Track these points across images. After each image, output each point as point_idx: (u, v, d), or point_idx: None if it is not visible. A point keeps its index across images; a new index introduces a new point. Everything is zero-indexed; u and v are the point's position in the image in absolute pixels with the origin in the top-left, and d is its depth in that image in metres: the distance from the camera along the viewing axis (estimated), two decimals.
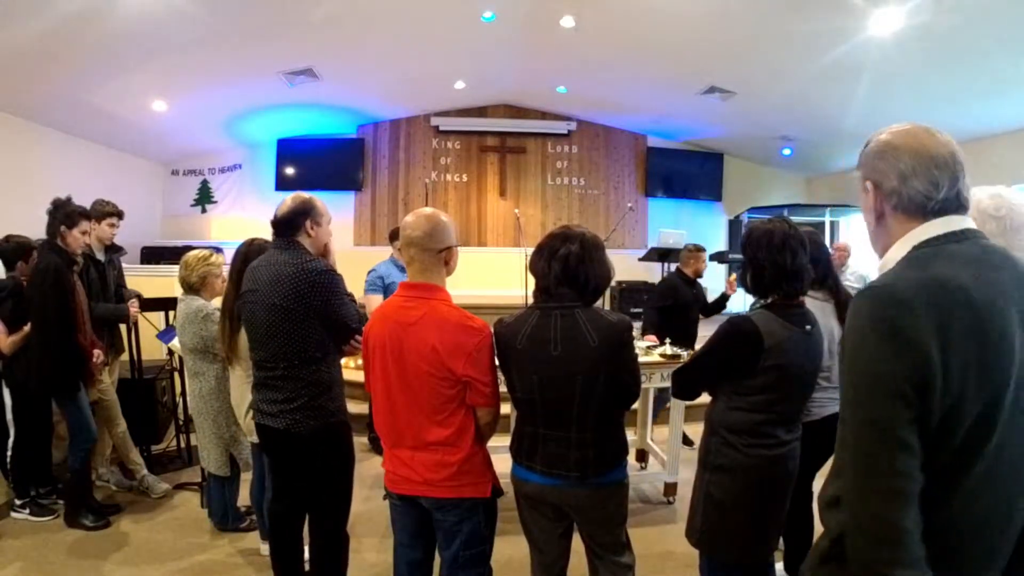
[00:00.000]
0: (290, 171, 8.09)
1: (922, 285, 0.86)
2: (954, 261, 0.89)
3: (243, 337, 2.30)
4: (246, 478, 2.94)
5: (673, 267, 4.81)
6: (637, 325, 3.93)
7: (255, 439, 2.48)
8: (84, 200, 3.37)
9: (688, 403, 3.58)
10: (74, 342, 2.93)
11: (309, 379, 2.00)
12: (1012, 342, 0.85)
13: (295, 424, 1.99)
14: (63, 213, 3.02)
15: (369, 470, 3.85)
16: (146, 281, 4.42)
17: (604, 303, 1.81)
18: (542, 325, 1.68)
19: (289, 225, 2.05)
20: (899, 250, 0.95)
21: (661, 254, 5.10)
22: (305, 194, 2.12)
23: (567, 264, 1.67)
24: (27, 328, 2.97)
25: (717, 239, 8.48)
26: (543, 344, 1.66)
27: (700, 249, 4.20)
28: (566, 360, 1.64)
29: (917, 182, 0.93)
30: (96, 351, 3.08)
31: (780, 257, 1.73)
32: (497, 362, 1.76)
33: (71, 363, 2.93)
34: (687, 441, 4.02)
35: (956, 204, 0.93)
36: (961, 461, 0.85)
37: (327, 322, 2.01)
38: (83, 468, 3.05)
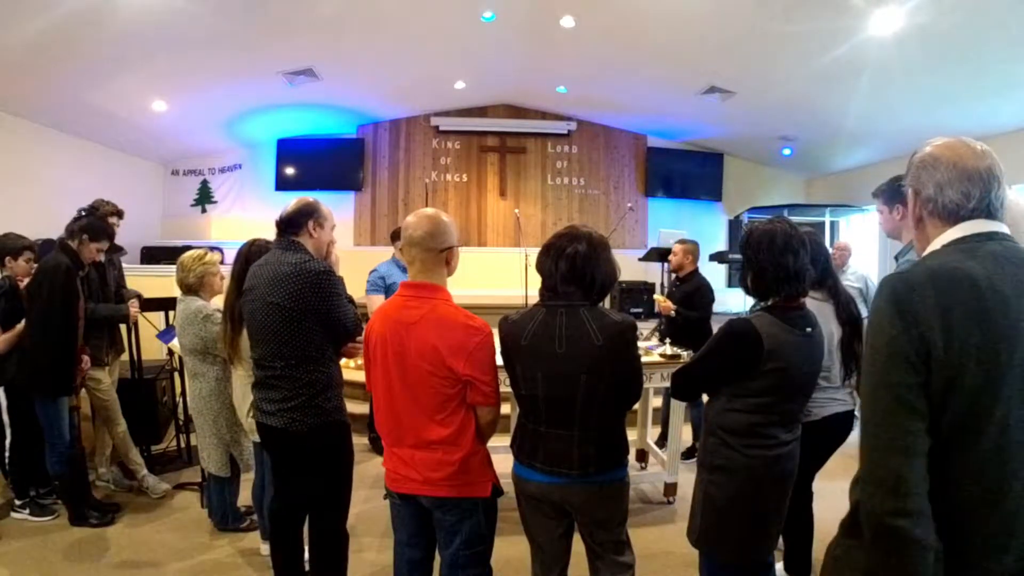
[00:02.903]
0: (290, 171, 8.09)
1: (932, 272, 0.99)
2: (971, 255, 0.99)
3: (245, 337, 2.30)
4: (246, 478, 2.94)
5: None
6: (642, 325, 3.91)
7: (258, 438, 2.48)
8: (84, 200, 3.38)
9: (688, 403, 3.60)
10: (72, 344, 2.93)
11: (306, 379, 2.01)
12: (1019, 328, 0.93)
13: (292, 423, 2.00)
14: (92, 224, 3.03)
15: (369, 470, 3.85)
16: (146, 281, 4.42)
17: (605, 303, 1.82)
18: (547, 323, 1.69)
19: (292, 224, 2.08)
20: (933, 249, 1.07)
21: (661, 254, 5.09)
22: (310, 197, 2.18)
23: (574, 263, 1.68)
24: (20, 326, 2.97)
25: (717, 239, 8.49)
26: (548, 342, 1.67)
27: (677, 242, 4.19)
28: (570, 358, 1.65)
29: (951, 191, 1.05)
30: (84, 357, 3.07)
31: (783, 259, 1.72)
32: (501, 359, 1.76)
33: (65, 364, 2.92)
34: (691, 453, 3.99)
35: (986, 212, 1.04)
36: (963, 431, 0.94)
37: (323, 323, 2.02)
38: (67, 471, 3.01)
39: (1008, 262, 0.98)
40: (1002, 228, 1.04)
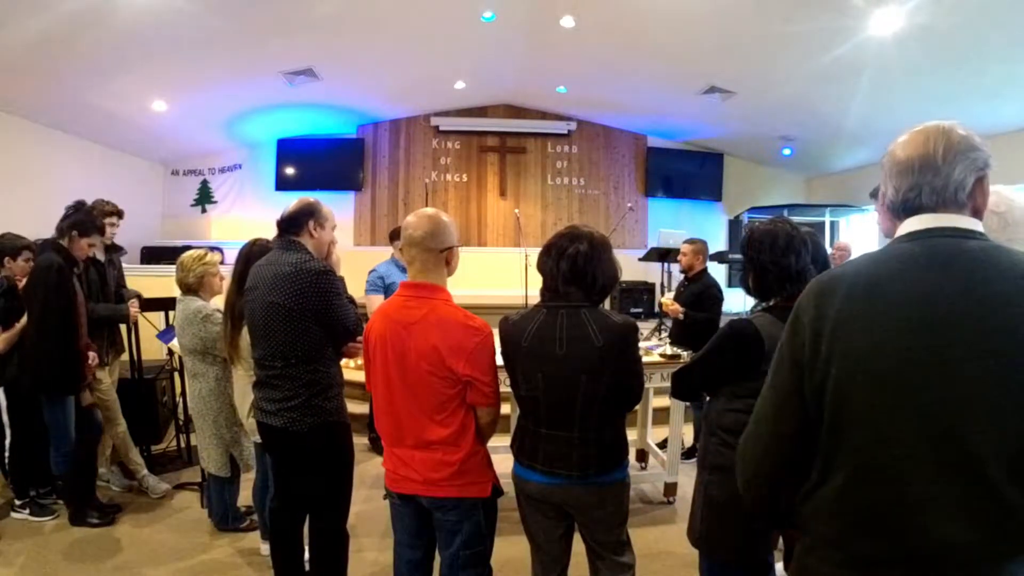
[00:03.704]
0: (290, 171, 8.08)
1: (826, 278, 0.99)
2: (874, 258, 0.97)
3: (245, 336, 2.31)
4: (247, 478, 2.94)
5: (674, 267, 4.80)
6: (642, 325, 3.89)
7: (258, 438, 2.49)
8: (84, 200, 3.37)
9: (691, 404, 3.60)
10: (73, 342, 2.93)
11: (306, 379, 2.01)
12: (894, 339, 0.88)
13: (293, 422, 2.00)
14: (79, 220, 3.02)
15: (369, 470, 3.85)
16: (146, 281, 4.42)
17: (605, 303, 1.83)
18: (548, 324, 1.69)
19: (293, 224, 2.09)
20: None
21: (661, 254, 5.08)
22: (311, 197, 2.18)
23: (575, 263, 1.68)
24: (19, 325, 2.96)
25: (717, 239, 8.47)
26: (549, 343, 1.67)
27: (686, 242, 4.18)
28: (571, 359, 1.65)
29: (889, 187, 1.02)
30: (91, 353, 3.07)
31: (785, 259, 1.72)
32: (501, 360, 1.76)
33: (68, 363, 2.92)
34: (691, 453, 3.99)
35: (916, 205, 0.97)
36: (833, 440, 0.94)
37: (324, 323, 2.02)
38: (70, 471, 3.01)
39: (917, 265, 0.91)
40: (943, 222, 0.94)
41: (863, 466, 0.90)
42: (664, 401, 4.24)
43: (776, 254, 1.73)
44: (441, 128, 8.36)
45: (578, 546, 1.87)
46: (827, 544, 0.97)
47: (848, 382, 0.90)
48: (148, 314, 3.75)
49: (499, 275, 6.95)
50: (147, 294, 3.80)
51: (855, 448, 0.91)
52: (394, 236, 3.64)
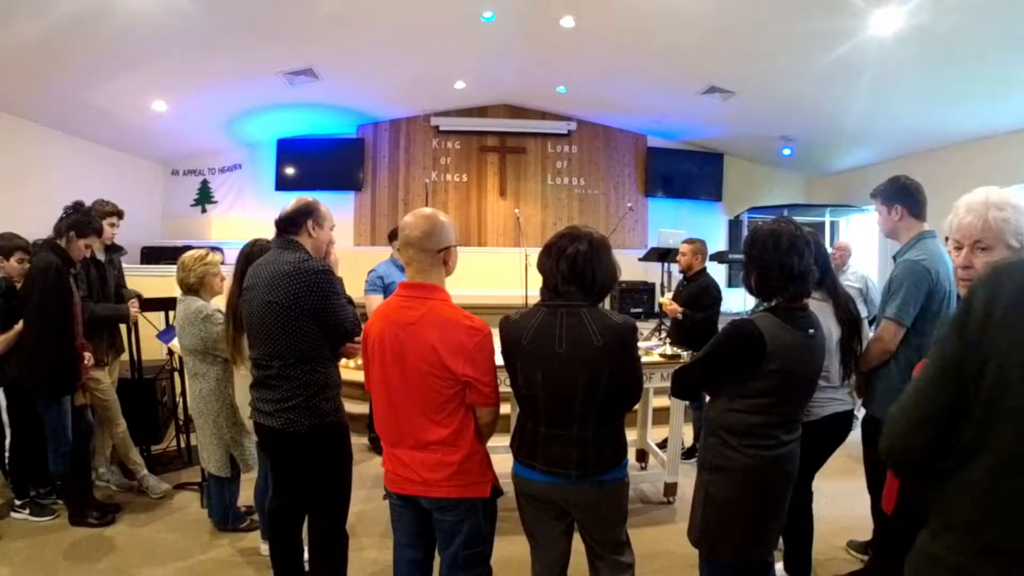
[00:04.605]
0: (290, 171, 8.09)
1: (1005, 264, 1.02)
2: None
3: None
4: (247, 478, 2.94)
5: (674, 267, 4.80)
6: (641, 325, 3.90)
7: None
8: (85, 200, 3.37)
9: (691, 404, 3.60)
10: (70, 342, 2.92)
11: (304, 379, 2.00)
12: None
13: (290, 423, 2.00)
14: (77, 220, 3.02)
15: (369, 470, 3.85)
16: (146, 281, 4.42)
17: (605, 303, 1.84)
18: (548, 323, 1.69)
19: (291, 223, 2.08)
20: None
21: (661, 254, 5.08)
22: (309, 197, 2.18)
23: (575, 263, 1.68)
24: (18, 327, 2.96)
25: (717, 239, 8.47)
26: (548, 342, 1.67)
27: (685, 242, 4.19)
28: (570, 359, 1.65)
29: None
30: (87, 354, 3.07)
31: (788, 259, 1.72)
32: (501, 359, 1.76)
33: (66, 363, 2.92)
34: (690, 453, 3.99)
35: None
36: (985, 424, 0.93)
37: (322, 322, 2.01)
38: (68, 472, 3.01)
39: None
40: None
41: (1014, 455, 0.90)
42: (664, 401, 4.24)
43: (780, 254, 1.73)
44: (441, 128, 8.36)
45: (578, 546, 1.87)
46: (962, 530, 0.96)
47: (1010, 369, 0.91)
48: (148, 314, 3.75)
49: (499, 275, 6.95)
50: (147, 294, 3.79)
51: (1007, 436, 0.91)
52: (393, 236, 3.65)
